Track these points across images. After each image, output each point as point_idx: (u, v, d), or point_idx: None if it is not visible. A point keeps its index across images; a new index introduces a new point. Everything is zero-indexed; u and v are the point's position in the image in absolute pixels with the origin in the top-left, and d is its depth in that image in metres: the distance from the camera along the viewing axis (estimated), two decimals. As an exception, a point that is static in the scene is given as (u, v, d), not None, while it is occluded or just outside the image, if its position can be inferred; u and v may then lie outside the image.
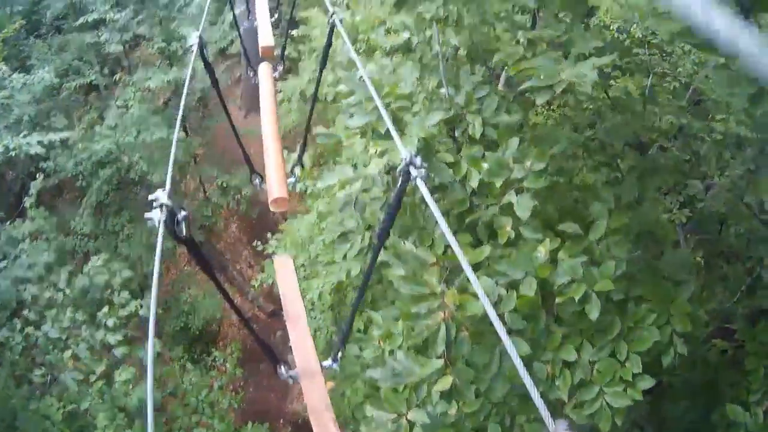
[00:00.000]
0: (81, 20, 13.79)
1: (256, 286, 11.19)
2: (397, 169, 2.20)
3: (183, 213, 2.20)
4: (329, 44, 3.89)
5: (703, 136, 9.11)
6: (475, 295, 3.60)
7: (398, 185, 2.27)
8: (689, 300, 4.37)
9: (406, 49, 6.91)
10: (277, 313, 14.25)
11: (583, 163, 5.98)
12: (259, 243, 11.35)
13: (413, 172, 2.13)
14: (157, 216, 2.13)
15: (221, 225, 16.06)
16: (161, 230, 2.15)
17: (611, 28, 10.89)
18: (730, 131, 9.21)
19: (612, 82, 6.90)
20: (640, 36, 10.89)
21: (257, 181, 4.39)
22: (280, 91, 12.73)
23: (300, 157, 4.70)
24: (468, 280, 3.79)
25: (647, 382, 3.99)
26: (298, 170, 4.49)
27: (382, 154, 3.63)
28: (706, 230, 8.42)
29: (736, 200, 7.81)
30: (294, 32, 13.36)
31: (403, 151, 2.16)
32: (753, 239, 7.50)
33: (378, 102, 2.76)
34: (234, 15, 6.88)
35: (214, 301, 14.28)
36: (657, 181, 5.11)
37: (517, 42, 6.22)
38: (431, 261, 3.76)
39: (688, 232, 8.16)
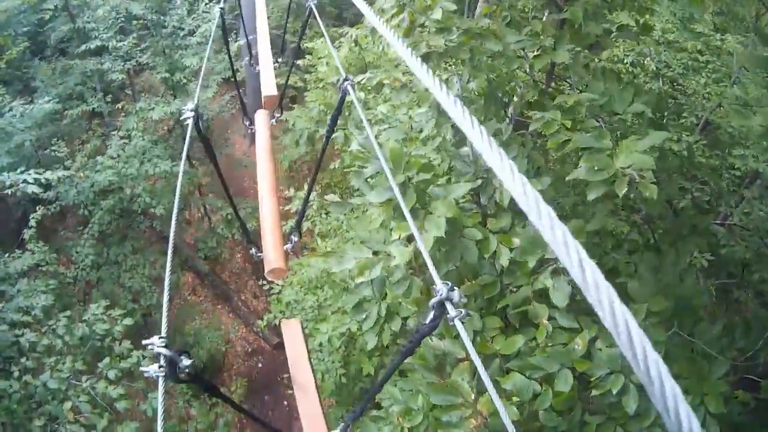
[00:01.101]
0: (84, 47, 13.60)
1: (262, 326, 10.92)
2: (430, 302, 1.84)
3: (186, 362, 1.88)
4: (339, 111, 3.57)
5: (721, 172, 8.90)
6: (510, 398, 3.33)
7: (430, 319, 1.90)
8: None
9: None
10: (282, 345, 13.98)
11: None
12: (264, 282, 11.09)
13: (451, 311, 1.79)
14: (154, 371, 1.83)
15: (226, 255, 15.84)
16: (161, 386, 1.85)
17: (624, 61, 10.69)
18: (749, 166, 9.00)
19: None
20: (654, 68, 10.71)
21: (253, 250, 4.15)
22: (286, 120, 12.57)
23: (299, 224, 4.42)
24: (502, 376, 3.54)
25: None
26: (295, 237, 4.22)
27: (406, 241, 3.35)
28: (728, 274, 8.18)
29: (759, 244, 7.56)
30: (299, 61, 13.20)
31: (439, 283, 1.82)
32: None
33: (400, 199, 2.49)
34: (229, 53, 6.56)
35: (219, 333, 14.04)
36: (691, 246, 4.83)
37: (536, 83, 5.98)
38: (460, 355, 3.48)
39: (709, 276, 7.91)
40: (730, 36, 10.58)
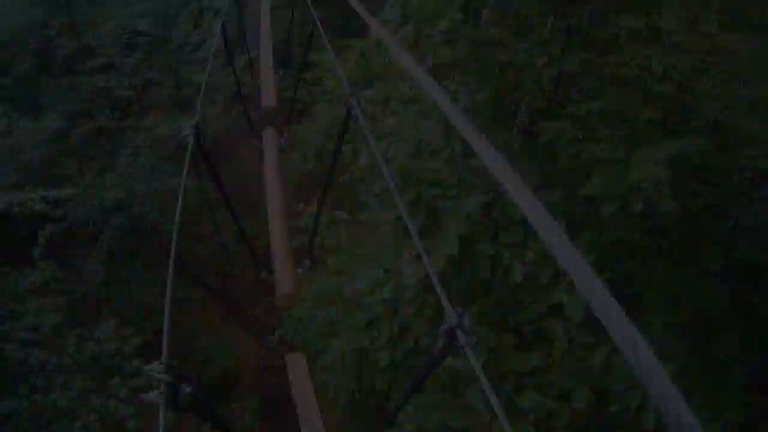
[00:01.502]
0: (90, 64, 13.64)
1: (274, 341, 10.87)
2: (441, 328, 1.79)
3: (187, 389, 1.81)
4: (346, 128, 3.48)
5: (732, 174, 8.75)
6: (526, 416, 3.25)
7: (440, 347, 1.84)
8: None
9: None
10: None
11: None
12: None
13: (461, 339, 1.72)
14: (155, 398, 1.76)
15: (237, 270, 15.73)
16: (162, 414, 1.75)
17: (631, 64, 10.55)
18: (760, 168, 8.84)
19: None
20: (661, 71, 10.55)
21: (263, 274, 4.09)
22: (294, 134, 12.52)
23: (311, 249, 4.36)
24: (516, 393, 3.46)
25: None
26: (308, 262, 4.16)
27: (417, 258, 3.28)
28: (741, 278, 8.04)
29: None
30: (306, 75, 13.15)
31: (449, 309, 1.78)
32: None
33: (408, 222, 2.43)
34: (233, 67, 6.51)
35: (231, 348, 13.95)
36: (706, 254, 4.73)
37: (543, 92, 5.91)
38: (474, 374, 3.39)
39: (723, 281, 7.78)
40: (737, 35, 10.45)
